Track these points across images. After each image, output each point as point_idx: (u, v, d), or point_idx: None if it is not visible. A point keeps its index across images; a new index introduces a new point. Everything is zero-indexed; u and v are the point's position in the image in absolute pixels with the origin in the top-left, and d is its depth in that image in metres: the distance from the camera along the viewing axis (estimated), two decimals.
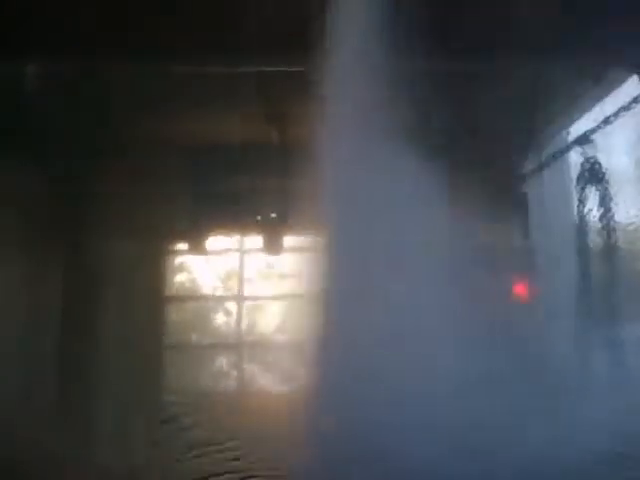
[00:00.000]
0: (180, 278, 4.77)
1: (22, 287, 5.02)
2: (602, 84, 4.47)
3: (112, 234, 4.61)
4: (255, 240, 4.89)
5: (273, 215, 4.59)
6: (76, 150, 4.83)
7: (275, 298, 4.62)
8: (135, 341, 4.45)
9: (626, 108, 4.91)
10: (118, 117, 4.71)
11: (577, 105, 4.99)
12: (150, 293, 4.71)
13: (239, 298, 4.60)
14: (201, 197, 4.33)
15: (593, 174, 5.25)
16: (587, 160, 5.19)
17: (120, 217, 4.60)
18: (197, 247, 4.81)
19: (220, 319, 4.54)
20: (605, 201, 5.15)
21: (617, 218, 5.11)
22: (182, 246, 5.11)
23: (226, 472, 2.87)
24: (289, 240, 4.85)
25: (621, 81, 4.68)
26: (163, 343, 4.89)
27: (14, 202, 4.93)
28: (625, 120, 4.88)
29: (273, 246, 4.75)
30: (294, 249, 4.84)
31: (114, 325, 4.53)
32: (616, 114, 5.06)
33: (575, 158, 5.10)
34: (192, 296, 4.83)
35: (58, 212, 4.95)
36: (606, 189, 5.12)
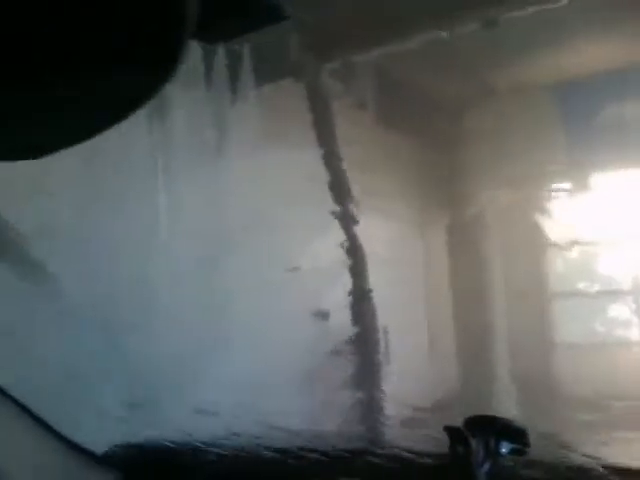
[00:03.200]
0: (562, 222, 3.65)
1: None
2: None
3: (488, 184, 3.58)
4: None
5: None
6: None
7: None
8: (520, 291, 3.33)
9: None
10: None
11: None
12: (531, 241, 3.56)
13: (632, 239, 3.45)
14: (576, 132, 3.09)
15: None
16: None
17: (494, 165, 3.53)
18: (578, 187, 3.63)
19: (610, 264, 3.48)
20: None
21: None
22: (562, 187, 3.74)
23: None
24: None
25: None
26: (549, 292, 3.48)
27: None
28: None
29: None
30: None
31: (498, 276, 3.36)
32: None
33: None
34: (577, 241, 3.58)
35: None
36: None
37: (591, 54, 3.28)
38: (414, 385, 3.18)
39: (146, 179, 3.47)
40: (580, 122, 3.23)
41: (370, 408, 2.77)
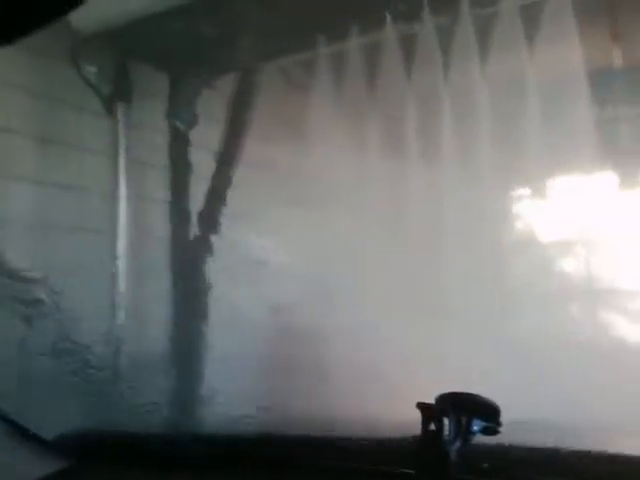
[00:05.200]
0: (523, 223, 3.64)
1: None
2: None
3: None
4: (607, 176, 3.55)
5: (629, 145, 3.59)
6: None
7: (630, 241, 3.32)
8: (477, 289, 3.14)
9: None
10: None
11: None
12: (492, 239, 3.41)
13: (588, 242, 3.53)
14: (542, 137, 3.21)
15: None
16: None
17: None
18: (540, 190, 3.54)
19: (567, 265, 3.48)
20: None
21: None
22: (524, 190, 3.64)
23: None
24: None
25: None
26: (506, 290, 3.27)
27: None
28: None
29: (629, 181, 3.64)
30: None
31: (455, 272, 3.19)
32: None
33: None
34: (536, 241, 3.50)
35: None
36: None
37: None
38: None
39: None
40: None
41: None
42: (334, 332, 2.86)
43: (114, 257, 3.35)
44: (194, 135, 3.57)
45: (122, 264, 3.35)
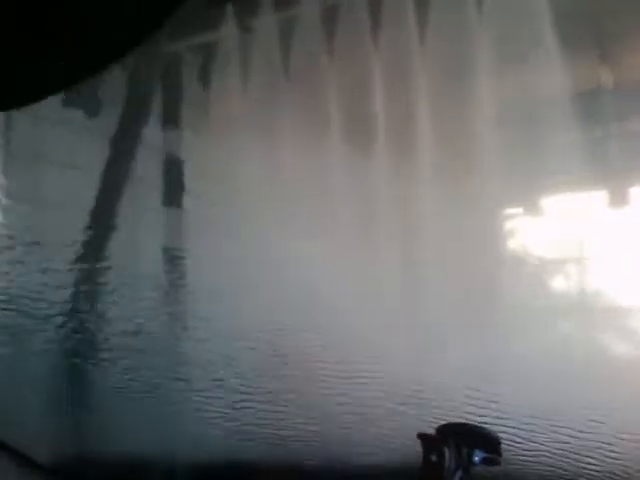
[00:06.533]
0: (516, 241, 3.30)
1: None
2: None
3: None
4: (599, 195, 3.23)
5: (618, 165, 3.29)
6: None
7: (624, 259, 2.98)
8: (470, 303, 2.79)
9: None
10: None
11: None
12: (485, 257, 3.02)
13: (581, 260, 3.19)
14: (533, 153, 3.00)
15: None
16: None
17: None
18: (533, 209, 3.29)
19: (561, 282, 3.18)
20: None
21: None
22: (517, 208, 3.36)
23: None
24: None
25: None
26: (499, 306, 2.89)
27: None
28: None
29: (620, 200, 3.29)
30: None
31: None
32: None
33: None
34: (529, 260, 3.16)
35: None
36: None
37: None
38: None
39: None
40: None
41: None
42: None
43: None
44: (96, 124, 3.12)
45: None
